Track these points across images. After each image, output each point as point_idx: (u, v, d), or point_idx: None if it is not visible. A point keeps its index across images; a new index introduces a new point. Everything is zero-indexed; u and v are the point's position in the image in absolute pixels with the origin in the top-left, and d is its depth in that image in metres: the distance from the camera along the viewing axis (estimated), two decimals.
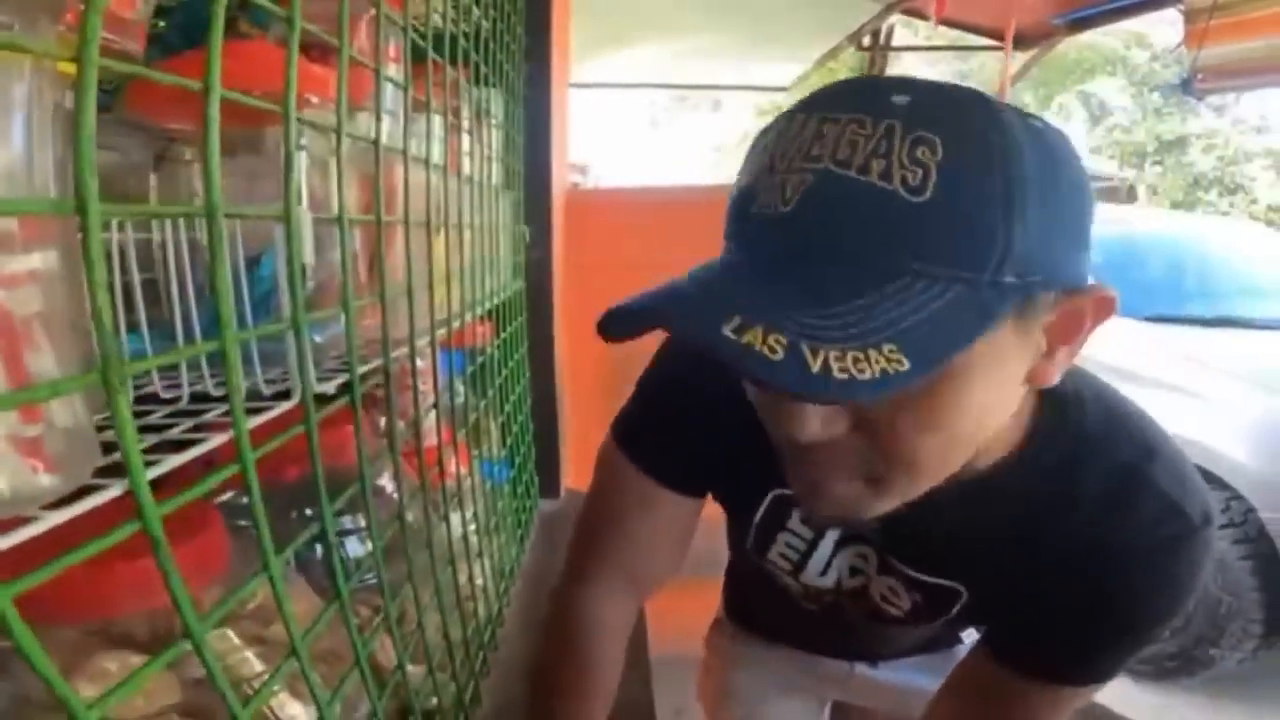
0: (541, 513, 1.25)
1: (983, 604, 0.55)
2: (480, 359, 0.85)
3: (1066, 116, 11.76)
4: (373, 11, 0.49)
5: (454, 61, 0.66)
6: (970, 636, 0.80)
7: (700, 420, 0.56)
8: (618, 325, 0.34)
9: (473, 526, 0.75)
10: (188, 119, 0.51)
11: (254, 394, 0.40)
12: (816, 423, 0.38)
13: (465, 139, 0.84)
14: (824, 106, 0.37)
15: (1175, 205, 8.73)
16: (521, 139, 1.20)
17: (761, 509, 0.60)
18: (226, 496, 0.53)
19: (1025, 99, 11.14)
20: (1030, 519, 0.49)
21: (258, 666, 0.39)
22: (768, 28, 2.26)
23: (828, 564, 0.60)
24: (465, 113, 0.85)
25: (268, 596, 0.40)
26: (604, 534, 0.62)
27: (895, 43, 2.50)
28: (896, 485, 0.41)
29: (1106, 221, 3.02)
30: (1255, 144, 10.01)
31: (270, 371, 0.42)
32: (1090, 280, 0.40)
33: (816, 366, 0.31)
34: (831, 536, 0.58)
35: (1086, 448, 0.48)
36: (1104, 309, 0.40)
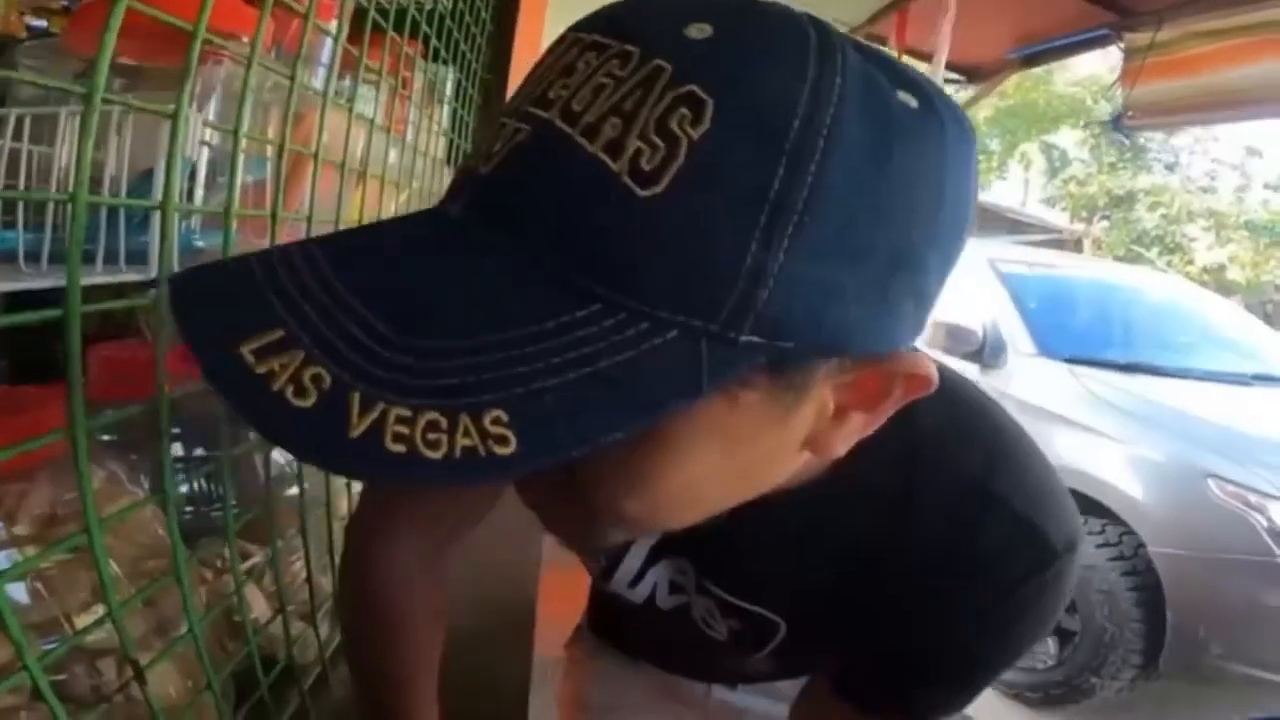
0: None
1: (802, 641, 0.47)
2: None
3: (1028, 164, 12.25)
4: None
5: (401, 31, 0.68)
6: None
7: None
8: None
9: (357, 487, 0.76)
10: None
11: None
12: (531, 497, 0.33)
13: (410, 109, 0.87)
14: (603, 26, 0.26)
15: (1117, 260, 9.15)
16: (473, 122, 1.22)
17: None
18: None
19: (991, 145, 11.57)
20: (855, 543, 0.41)
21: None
22: None
23: (638, 576, 0.50)
24: (415, 84, 0.88)
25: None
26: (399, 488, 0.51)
27: None
28: (614, 522, 0.33)
29: (1046, 265, 3.20)
30: (1199, 204, 10.56)
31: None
32: (905, 347, 0.29)
33: (359, 429, 0.21)
34: (643, 546, 0.49)
35: (920, 464, 0.39)
36: (915, 387, 0.29)
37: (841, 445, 0.31)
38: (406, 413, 0.22)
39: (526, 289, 0.24)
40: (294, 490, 0.58)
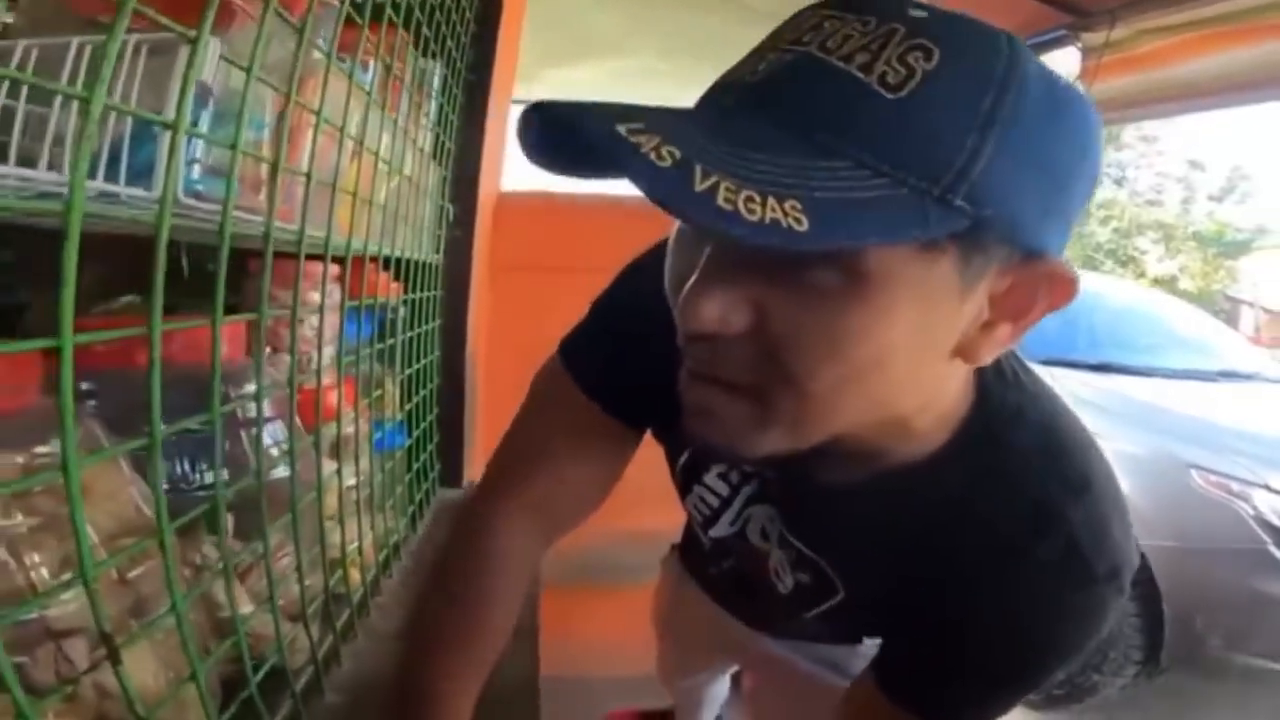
0: (441, 499, 1.20)
1: (856, 606, 0.52)
2: (384, 314, 0.83)
3: None
4: None
5: (396, 14, 0.69)
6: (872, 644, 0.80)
7: (647, 350, 0.50)
8: (536, 116, 0.32)
9: (351, 481, 0.71)
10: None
11: None
12: (715, 307, 0.34)
13: (403, 95, 0.84)
14: (837, 5, 0.35)
15: None
16: (457, 120, 1.20)
17: (684, 457, 0.58)
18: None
19: None
20: (929, 531, 0.45)
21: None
22: (706, 53, 2.34)
23: (739, 515, 0.57)
24: (406, 72, 0.86)
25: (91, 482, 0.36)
26: (526, 455, 0.57)
27: None
28: (784, 413, 0.37)
29: None
30: (1148, 216, 10.99)
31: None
32: (1056, 256, 0.36)
33: (701, 186, 0.28)
34: (745, 494, 0.56)
35: (1008, 471, 0.43)
36: (1061, 293, 0.36)
37: (987, 354, 0.37)
38: (733, 186, 0.28)
39: (804, 145, 0.32)
40: (282, 473, 0.53)
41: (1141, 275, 10.31)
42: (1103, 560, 0.43)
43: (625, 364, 0.53)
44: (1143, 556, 2.08)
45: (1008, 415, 0.44)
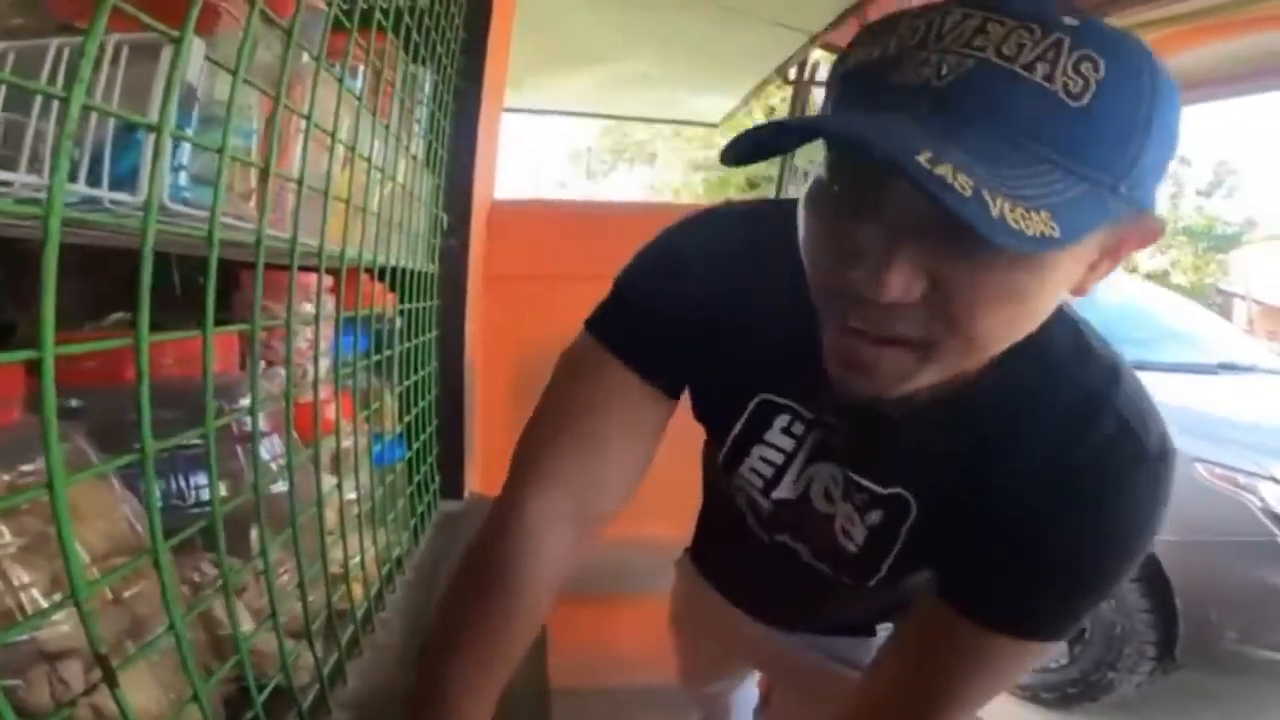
0: (442, 512, 1.18)
1: (930, 522, 0.53)
2: (380, 325, 0.81)
3: None
4: None
5: (385, 19, 0.67)
6: (885, 631, 0.79)
7: (691, 312, 0.53)
8: (785, 137, 0.38)
9: (351, 496, 0.69)
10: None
11: None
12: (901, 282, 0.38)
13: (393, 101, 0.83)
14: (989, 8, 0.38)
15: None
16: (449, 126, 1.19)
17: (744, 417, 0.57)
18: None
19: None
20: (993, 434, 0.48)
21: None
22: (697, 58, 2.34)
23: (800, 475, 0.58)
24: (396, 80, 0.85)
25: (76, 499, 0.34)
26: (557, 437, 0.55)
27: (820, 78, 2.62)
28: (947, 357, 0.41)
29: None
30: None
31: None
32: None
33: (995, 212, 0.33)
34: (808, 445, 0.57)
35: (1055, 367, 0.48)
36: (1150, 234, 0.43)
37: (1091, 287, 0.43)
38: (1010, 206, 0.34)
39: (1016, 154, 0.36)
40: (280, 488, 0.51)
41: (1134, 270, 10.35)
42: (1150, 436, 0.47)
43: (668, 329, 0.54)
44: (1150, 552, 2.07)
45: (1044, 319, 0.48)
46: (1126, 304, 3.20)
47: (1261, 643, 1.93)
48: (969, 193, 0.33)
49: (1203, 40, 1.65)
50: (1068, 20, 0.37)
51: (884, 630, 0.79)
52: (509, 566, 0.52)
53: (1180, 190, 11.85)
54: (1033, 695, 2.19)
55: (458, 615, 0.52)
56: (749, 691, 1.05)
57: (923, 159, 0.33)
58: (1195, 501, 2.03)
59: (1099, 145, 0.37)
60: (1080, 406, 0.47)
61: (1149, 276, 10.06)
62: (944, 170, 0.33)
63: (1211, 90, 1.76)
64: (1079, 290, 0.43)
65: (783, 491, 0.58)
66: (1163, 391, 2.19)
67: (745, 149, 0.39)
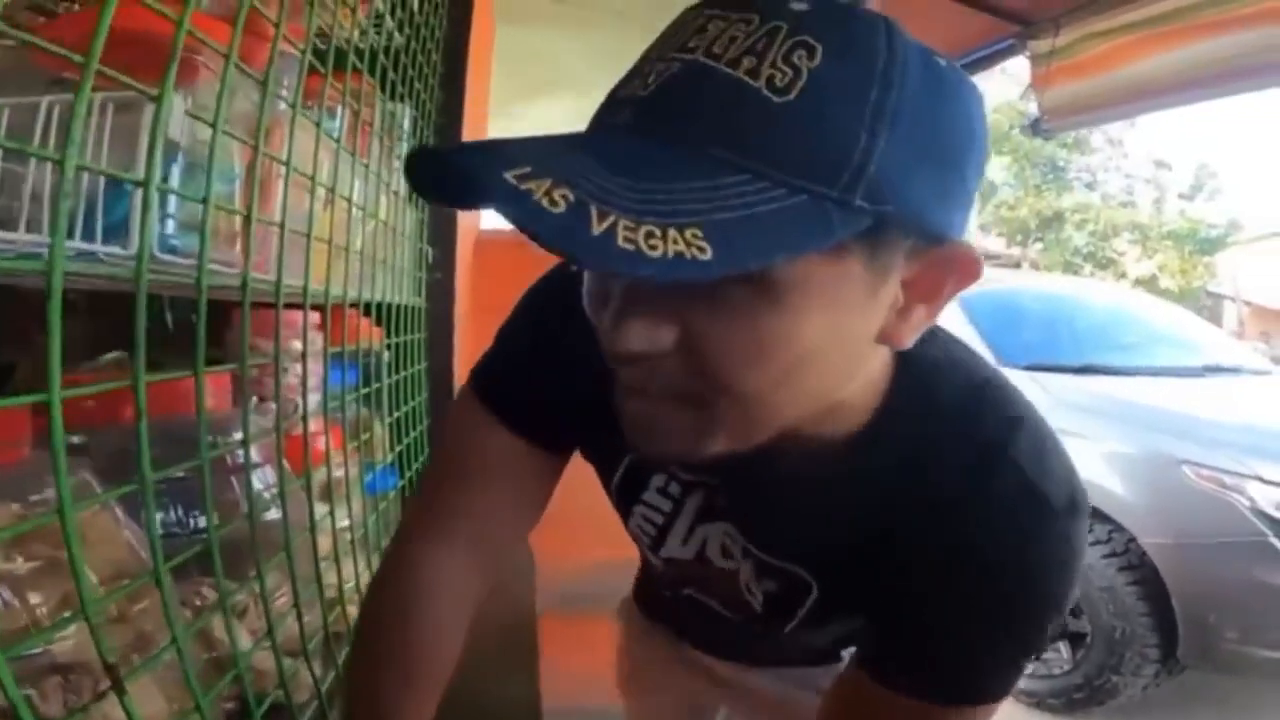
0: None
1: (832, 600, 0.50)
2: (368, 359, 0.84)
3: None
4: None
5: (360, 60, 0.70)
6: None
7: (560, 372, 0.50)
8: (418, 164, 0.32)
9: (344, 522, 0.72)
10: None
11: None
12: (641, 329, 0.34)
13: (371, 140, 0.86)
14: (719, 4, 0.35)
15: None
16: None
17: (618, 474, 0.56)
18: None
19: None
20: (881, 499, 0.44)
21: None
22: None
23: (689, 532, 0.55)
24: (374, 118, 0.88)
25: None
26: (448, 488, 0.55)
27: None
28: (724, 416, 0.37)
29: (993, 281, 3.31)
30: (1123, 218, 11.17)
31: None
32: (957, 238, 0.37)
33: (599, 229, 0.27)
34: (690, 507, 0.54)
35: (943, 421, 0.43)
36: (967, 273, 0.37)
37: (909, 337, 0.38)
38: (631, 222, 0.28)
39: (699, 164, 0.31)
40: (273, 516, 0.53)
41: (1123, 276, 10.44)
42: (1056, 489, 0.42)
43: (540, 389, 0.52)
44: (1144, 555, 2.10)
45: (928, 367, 0.44)
46: (1112, 309, 3.25)
47: (1262, 642, 1.94)
48: (560, 208, 0.28)
49: (1171, 45, 1.69)
50: (795, 6, 0.33)
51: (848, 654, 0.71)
52: (410, 618, 0.52)
53: (1163, 194, 12.02)
54: (1039, 701, 2.19)
55: (370, 665, 0.51)
56: None
57: (511, 174, 0.28)
58: (1184, 505, 2.05)
59: (804, 144, 0.31)
60: (977, 460, 0.42)
61: (1137, 282, 10.15)
62: (535, 185, 0.28)
63: (1185, 95, 1.80)
64: (891, 339, 0.38)
65: (671, 551, 0.56)
66: (1150, 395, 2.21)
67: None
